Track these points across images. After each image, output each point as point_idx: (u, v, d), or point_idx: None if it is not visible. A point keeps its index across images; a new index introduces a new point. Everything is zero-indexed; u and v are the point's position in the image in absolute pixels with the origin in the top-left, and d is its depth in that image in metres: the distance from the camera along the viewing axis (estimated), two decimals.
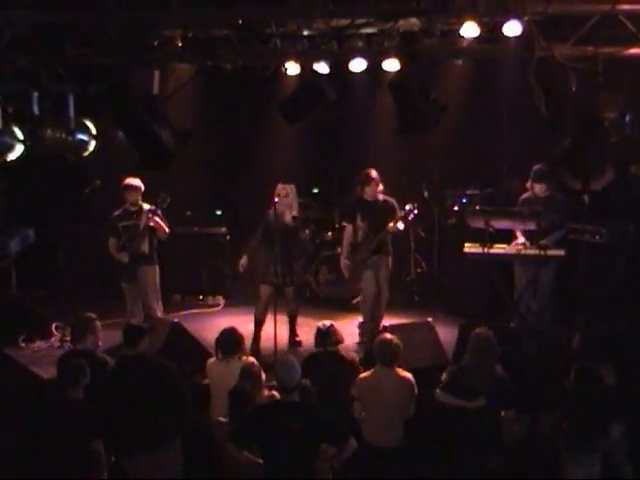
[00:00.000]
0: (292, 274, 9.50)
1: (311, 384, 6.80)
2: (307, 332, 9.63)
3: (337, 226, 11.59)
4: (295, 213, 9.53)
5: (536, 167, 9.35)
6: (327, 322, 7.77)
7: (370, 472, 6.95)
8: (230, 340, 7.54)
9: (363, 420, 7.08)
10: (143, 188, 9.57)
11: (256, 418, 6.18)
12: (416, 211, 9.41)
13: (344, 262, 9.71)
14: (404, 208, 9.40)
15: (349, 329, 9.75)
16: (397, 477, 7.01)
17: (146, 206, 9.53)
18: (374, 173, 9.48)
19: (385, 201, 9.52)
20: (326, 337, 7.60)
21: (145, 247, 9.53)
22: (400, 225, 9.43)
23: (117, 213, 9.63)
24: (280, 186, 9.41)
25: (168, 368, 6.73)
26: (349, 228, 9.73)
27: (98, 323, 7.65)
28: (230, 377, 7.14)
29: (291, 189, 9.50)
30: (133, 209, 9.56)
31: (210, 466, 7.10)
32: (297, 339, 9.76)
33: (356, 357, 7.84)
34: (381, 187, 9.51)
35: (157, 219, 9.43)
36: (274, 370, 6.38)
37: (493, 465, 6.83)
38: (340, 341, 7.73)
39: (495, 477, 6.86)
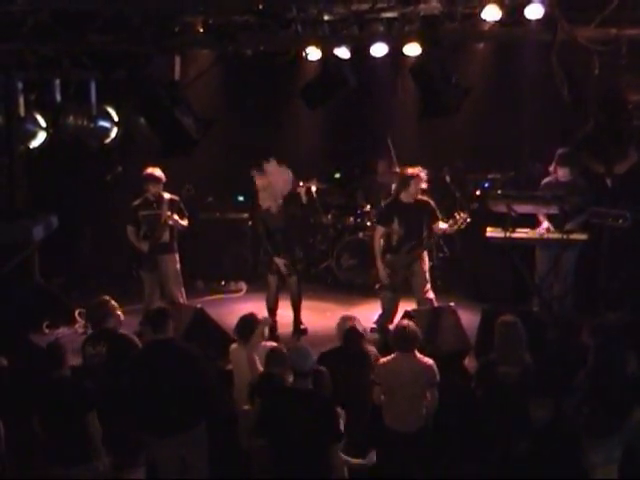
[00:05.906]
0: (294, 262, 9.50)
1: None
2: (329, 317, 9.64)
3: (359, 211, 11.61)
4: (284, 194, 9.40)
5: (561, 151, 9.29)
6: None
7: (390, 457, 6.96)
8: (246, 325, 7.43)
9: (383, 405, 7.09)
10: (164, 179, 9.52)
11: (269, 404, 6.20)
12: (469, 219, 8.96)
13: (383, 272, 9.08)
14: (456, 214, 9.00)
15: (371, 314, 9.73)
16: (418, 462, 7.02)
17: (166, 195, 9.54)
18: (415, 172, 8.94)
19: (420, 201, 9.02)
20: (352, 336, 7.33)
21: (166, 237, 9.56)
22: (442, 225, 8.99)
23: (137, 203, 9.60)
24: (257, 178, 9.33)
25: (195, 353, 6.79)
26: (380, 231, 9.20)
27: (115, 304, 7.58)
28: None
29: (271, 174, 9.30)
30: (153, 199, 9.53)
31: (234, 451, 7.16)
32: (302, 327, 9.71)
33: (374, 350, 7.63)
34: (424, 185, 9.01)
35: (176, 217, 9.47)
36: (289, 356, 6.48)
37: (521, 450, 6.80)
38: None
39: (520, 462, 6.84)
